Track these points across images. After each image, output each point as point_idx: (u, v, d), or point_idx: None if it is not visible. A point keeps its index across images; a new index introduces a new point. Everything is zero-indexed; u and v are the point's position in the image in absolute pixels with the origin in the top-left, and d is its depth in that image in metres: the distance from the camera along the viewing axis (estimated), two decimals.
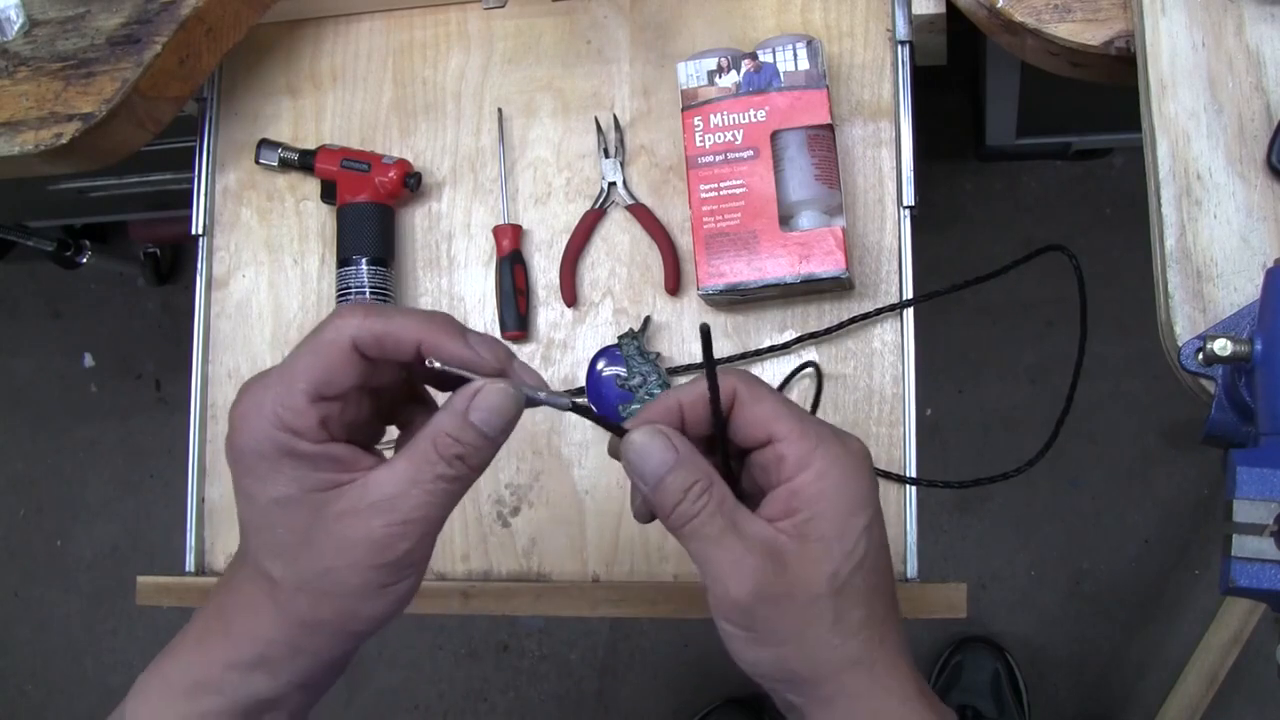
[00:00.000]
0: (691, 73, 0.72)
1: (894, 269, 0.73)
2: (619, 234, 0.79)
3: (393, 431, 0.48)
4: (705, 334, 0.41)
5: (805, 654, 0.42)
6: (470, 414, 0.40)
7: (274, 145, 0.83)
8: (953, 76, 1.41)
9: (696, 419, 0.44)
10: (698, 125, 0.71)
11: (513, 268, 0.78)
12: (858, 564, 0.42)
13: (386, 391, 0.46)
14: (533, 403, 0.43)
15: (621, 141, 0.79)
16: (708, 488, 0.42)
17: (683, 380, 0.76)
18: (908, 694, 0.43)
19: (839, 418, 0.73)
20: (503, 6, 0.80)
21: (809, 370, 0.74)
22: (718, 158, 0.71)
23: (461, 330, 0.42)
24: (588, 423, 0.77)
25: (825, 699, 0.43)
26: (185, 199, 0.85)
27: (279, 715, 0.44)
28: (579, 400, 0.44)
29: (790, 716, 0.45)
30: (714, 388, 0.43)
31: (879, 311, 0.73)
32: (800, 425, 0.42)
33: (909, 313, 0.73)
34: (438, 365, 0.41)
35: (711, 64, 0.72)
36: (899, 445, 0.72)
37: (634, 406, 0.73)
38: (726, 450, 0.44)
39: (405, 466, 0.41)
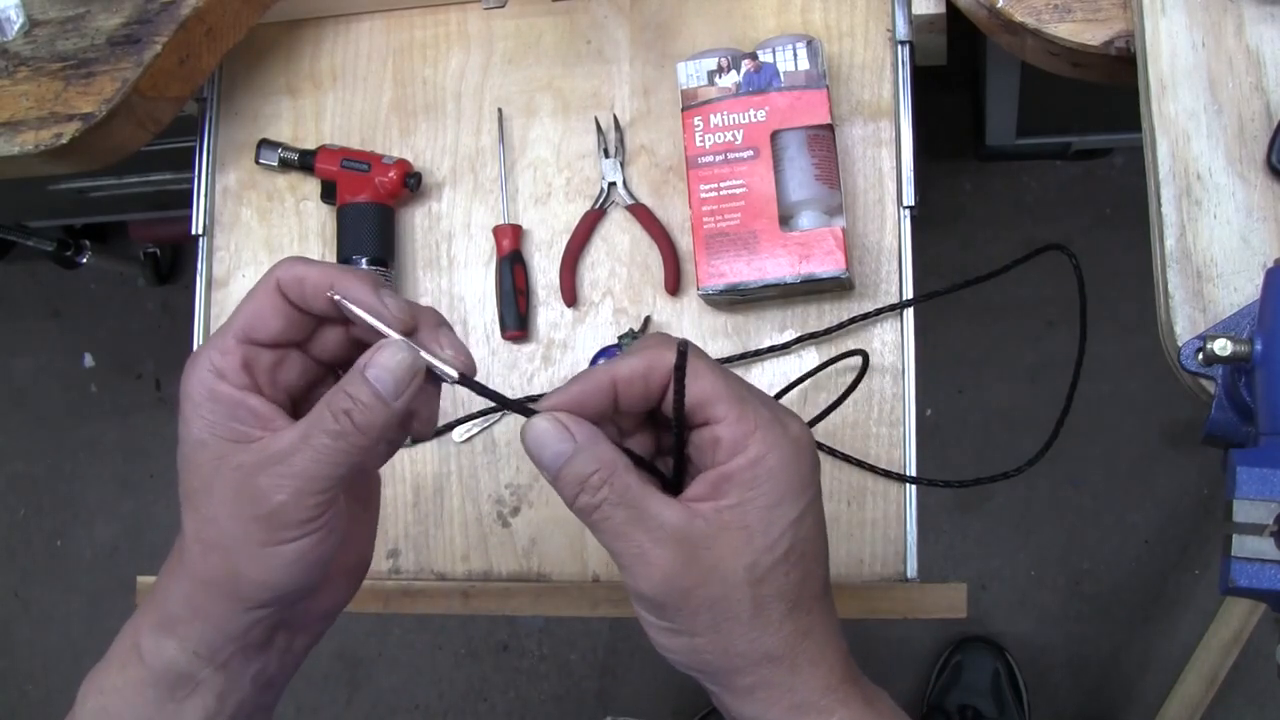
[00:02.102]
0: (691, 73, 0.72)
1: (894, 269, 0.73)
2: (619, 234, 0.79)
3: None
4: (682, 353, 0.41)
5: (720, 646, 0.41)
6: (366, 369, 0.40)
7: (274, 145, 0.83)
8: (953, 76, 1.41)
9: (631, 396, 0.42)
10: (698, 125, 0.71)
11: (513, 268, 0.78)
12: (781, 556, 0.40)
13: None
14: (434, 374, 0.41)
15: (621, 141, 0.79)
16: (608, 478, 0.40)
17: None
18: (831, 684, 0.42)
19: (839, 418, 0.73)
20: (503, 6, 0.80)
21: (852, 361, 0.72)
22: (718, 158, 0.71)
23: (376, 284, 0.41)
24: None
25: (743, 690, 0.41)
26: (185, 199, 0.85)
27: (205, 698, 0.43)
28: (473, 379, 0.42)
29: (713, 701, 0.44)
30: (679, 406, 0.41)
31: (879, 311, 0.73)
32: (739, 407, 0.40)
33: (909, 313, 0.73)
34: (335, 297, 0.40)
35: (711, 64, 0.72)
36: (899, 445, 0.72)
37: None
38: (681, 440, 0.42)
39: (302, 423, 0.40)
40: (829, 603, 0.43)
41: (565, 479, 0.41)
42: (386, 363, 0.40)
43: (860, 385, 0.73)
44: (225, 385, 0.40)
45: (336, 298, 0.40)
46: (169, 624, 0.42)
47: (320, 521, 0.40)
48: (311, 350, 0.44)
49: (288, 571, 0.41)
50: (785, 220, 0.71)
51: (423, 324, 0.42)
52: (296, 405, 0.43)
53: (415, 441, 0.79)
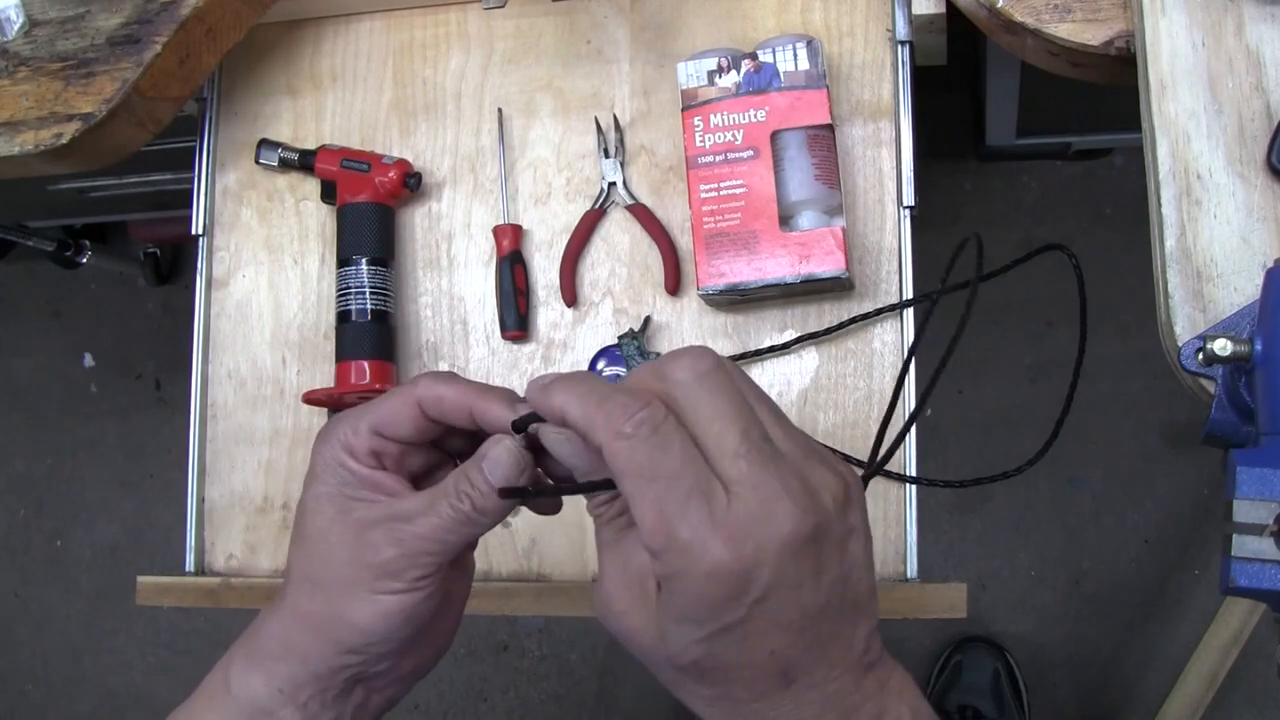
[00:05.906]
0: (691, 73, 0.72)
1: (894, 269, 0.73)
2: (619, 234, 0.79)
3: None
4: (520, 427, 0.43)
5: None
6: (482, 462, 0.43)
7: (274, 145, 0.83)
8: (953, 76, 1.40)
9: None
10: (698, 125, 0.71)
11: (513, 268, 0.78)
12: (690, 663, 0.38)
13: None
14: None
15: (621, 141, 0.79)
16: (607, 500, 0.41)
17: None
18: None
19: (839, 418, 0.73)
20: (503, 6, 0.80)
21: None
22: (718, 158, 0.71)
23: (513, 399, 0.44)
24: None
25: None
26: (185, 199, 0.85)
27: None
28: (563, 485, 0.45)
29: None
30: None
31: (879, 311, 0.73)
32: (657, 510, 0.37)
33: (909, 313, 0.73)
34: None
35: (711, 64, 0.72)
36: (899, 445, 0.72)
37: None
38: None
39: (430, 492, 0.44)
40: (782, 681, 0.39)
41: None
42: (493, 456, 0.43)
43: (860, 385, 0.73)
44: (354, 462, 0.44)
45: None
46: (259, 660, 0.45)
47: (426, 582, 0.44)
48: (442, 445, 0.47)
49: (386, 621, 0.43)
50: (785, 220, 0.71)
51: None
52: (416, 482, 0.47)
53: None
